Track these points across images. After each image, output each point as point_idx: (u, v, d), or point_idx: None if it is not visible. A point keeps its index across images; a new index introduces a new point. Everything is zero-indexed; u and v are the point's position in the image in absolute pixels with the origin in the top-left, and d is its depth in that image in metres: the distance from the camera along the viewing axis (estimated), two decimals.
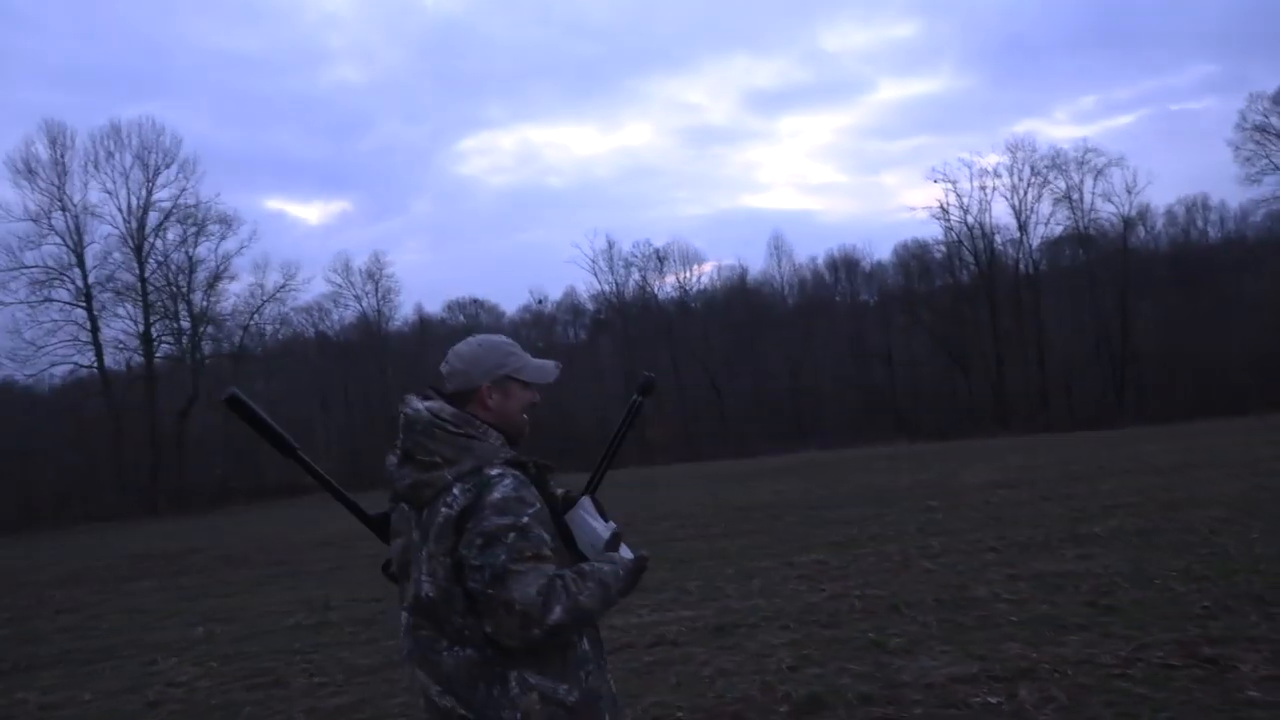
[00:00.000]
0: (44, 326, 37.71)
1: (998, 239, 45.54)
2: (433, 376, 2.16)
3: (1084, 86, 74.82)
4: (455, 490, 1.92)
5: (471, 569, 1.86)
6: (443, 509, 1.92)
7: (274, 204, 75.13)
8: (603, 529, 2.10)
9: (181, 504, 37.33)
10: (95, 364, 39.19)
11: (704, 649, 5.86)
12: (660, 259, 48.66)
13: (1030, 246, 45.45)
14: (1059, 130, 70.48)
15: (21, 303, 37.41)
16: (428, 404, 2.03)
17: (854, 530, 11.02)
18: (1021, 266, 45.25)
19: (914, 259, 49.19)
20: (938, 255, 47.74)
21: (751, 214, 76.12)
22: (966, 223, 45.64)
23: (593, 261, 50.10)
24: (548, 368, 2.15)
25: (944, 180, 46.17)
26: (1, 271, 36.98)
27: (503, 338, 2.16)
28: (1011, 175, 45.14)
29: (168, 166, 39.43)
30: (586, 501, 2.15)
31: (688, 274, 50.57)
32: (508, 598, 1.82)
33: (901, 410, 45.50)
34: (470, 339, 2.15)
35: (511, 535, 1.85)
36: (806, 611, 6.60)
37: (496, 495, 1.89)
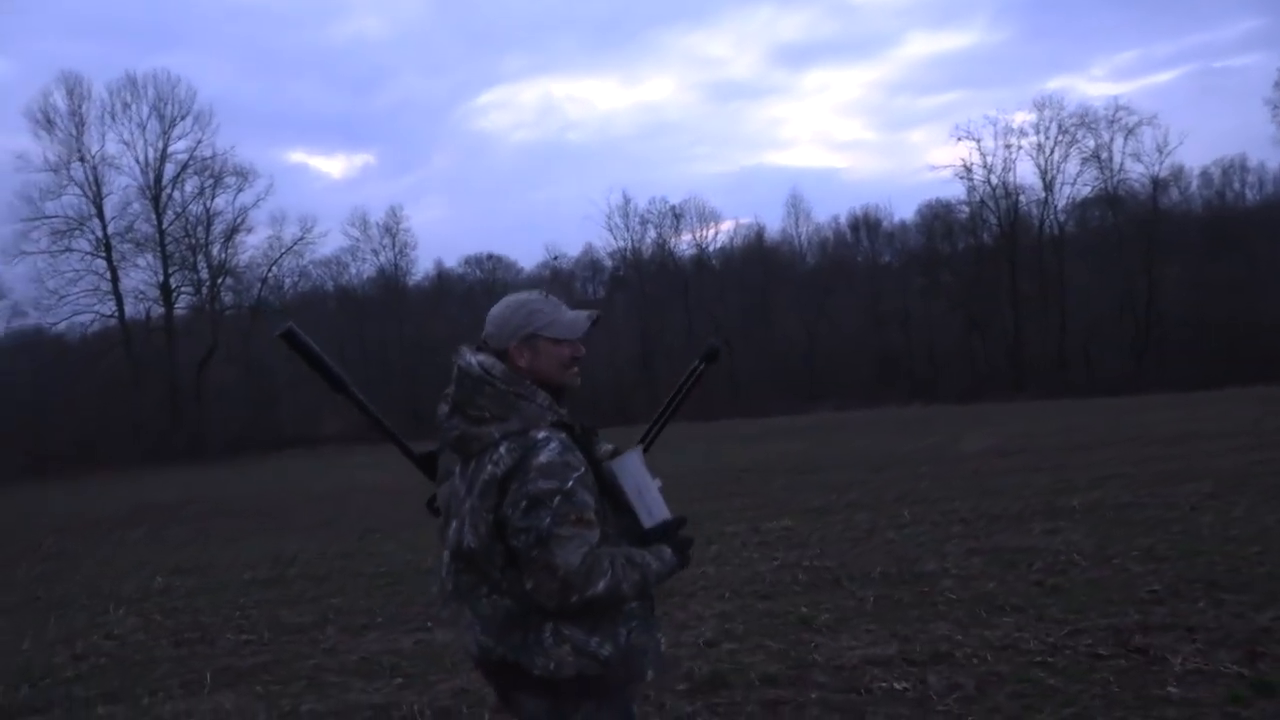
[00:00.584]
0: (65, 276, 38.25)
1: (1022, 199, 44.53)
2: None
3: (1123, 41, 72.84)
4: (501, 449, 1.94)
5: (516, 530, 1.89)
6: (488, 466, 1.94)
7: (297, 157, 75.19)
8: (652, 498, 2.10)
9: (198, 454, 37.80)
10: (116, 314, 39.59)
11: None
12: (676, 216, 48.17)
13: (1055, 207, 44.38)
14: (1095, 87, 68.74)
15: (43, 252, 37.95)
16: (479, 358, 2.04)
17: (834, 496, 10.81)
18: (1045, 228, 44.24)
19: (937, 219, 48.24)
20: (961, 216, 46.79)
21: (773, 172, 75.11)
22: (990, 182, 44.60)
23: (609, 218, 49.70)
24: (578, 321, 2.09)
25: (968, 138, 45.13)
26: (24, 221, 37.46)
27: (531, 295, 2.12)
28: (1038, 133, 43.96)
29: (184, 118, 39.45)
30: (638, 451, 2.14)
31: (704, 232, 50.04)
32: (551, 561, 1.86)
33: (917, 373, 44.96)
34: (503, 299, 2.13)
35: (556, 499, 1.87)
36: (749, 581, 6.42)
37: (542, 459, 1.90)
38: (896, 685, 4.10)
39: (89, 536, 13.60)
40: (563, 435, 1.97)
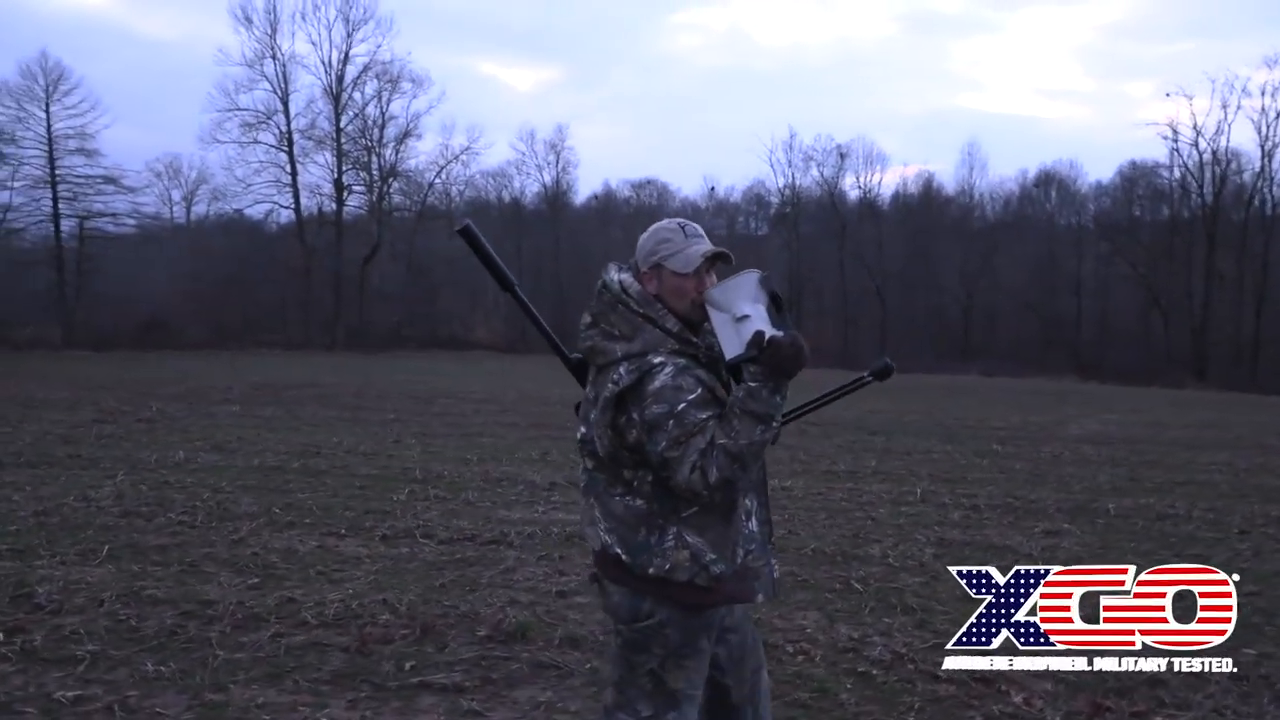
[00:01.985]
0: (251, 166, 41.10)
1: (1234, 169, 39.62)
2: None
3: None
4: (622, 369, 2.05)
5: (648, 451, 2.02)
6: (609, 384, 2.06)
7: (488, 68, 76.94)
8: (731, 332, 2.07)
9: (356, 344, 40.25)
10: (292, 205, 42.31)
11: (527, 555, 5.55)
12: (841, 156, 46.03)
13: (1272, 180, 39.15)
14: None
15: (234, 142, 40.85)
16: (622, 277, 2.17)
17: (874, 462, 10.18)
18: (1256, 202, 39.24)
19: (1134, 183, 43.88)
20: (1160, 182, 42.24)
21: (965, 115, 70.35)
22: (1199, 147, 39.88)
23: (771, 153, 48.22)
24: (691, 257, 2.13)
25: (1181, 95, 40.44)
26: (220, 112, 40.36)
27: (670, 223, 2.20)
28: (1265, 95, 38.77)
29: (366, 22, 40.99)
30: (731, 282, 2.12)
31: (870, 175, 47.66)
32: (673, 480, 2.00)
33: (1084, 346, 41.63)
34: (653, 224, 2.23)
35: (670, 423, 1.98)
36: None
37: (656, 384, 2.00)
38: None
39: (193, 405, 14.70)
40: (680, 360, 2.04)
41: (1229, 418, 18.85)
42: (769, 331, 2.00)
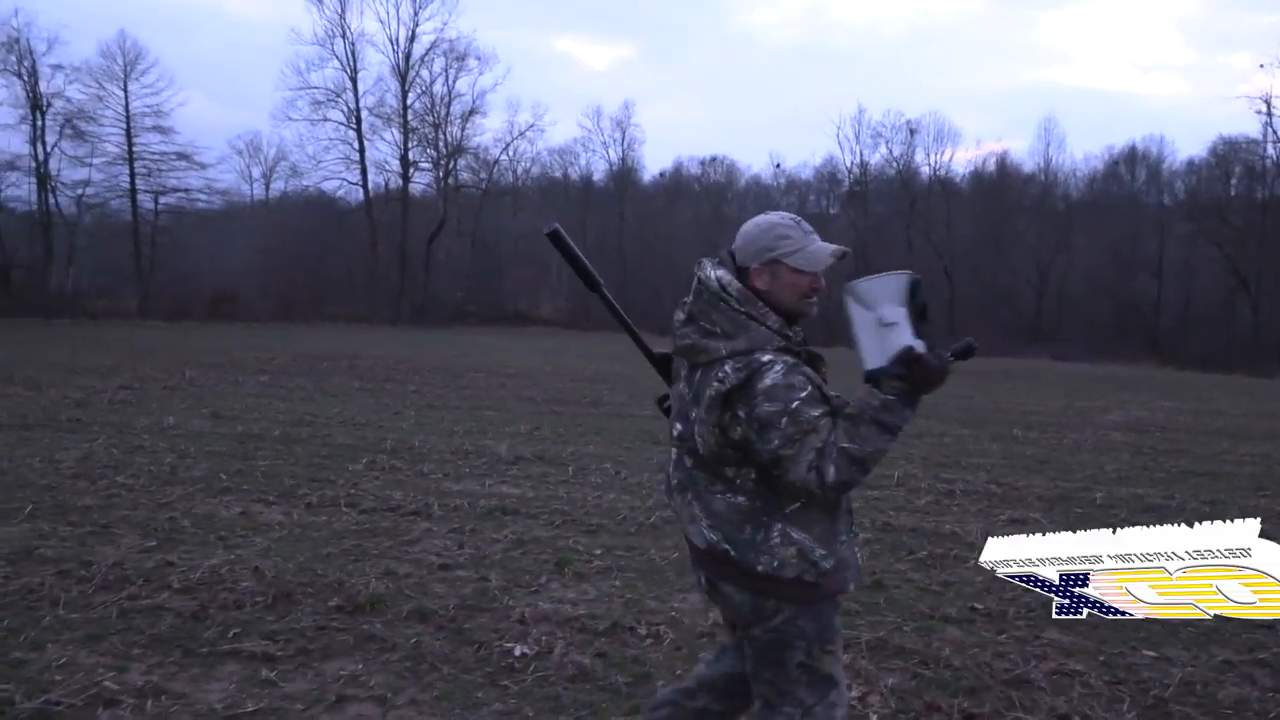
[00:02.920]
0: (321, 143, 42.03)
1: None
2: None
3: None
4: (727, 367, 2.02)
5: (757, 450, 2.00)
6: (714, 382, 2.03)
7: (564, 45, 76.89)
8: (871, 340, 2.03)
9: (421, 318, 40.94)
10: (360, 182, 43.14)
11: (439, 528, 5.47)
12: (911, 132, 44.63)
13: None
14: None
15: (304, 120, 41.82)
16: (719, 274, 2.12)
17: None
18: None
19: (1227, 160, 41.44)
20: (1254, 159, 39.76)
21: (1052, 90, 67.39)
22: None
23: (839, 129, 47.07)
24: (820, 255, 2.11)
25: (1277, 67, 37.93)
26: (292, 90, 41.38)
27: (783, 217, 2.15)
28: None
29: (433, 0, 41.28)
30: (872, 282, 2.09)
31: (941, 153, 46.13)
32: (787, 478, 1.98)
33: (1162, 330, 39.67)
34: (757, 217, 2.19)
35: (784, 420, 1.96)
36: (606, 514, 5.96)
37: (767, 382, 1.98)
38: (519, 649, 3.62)
39: (225, 374, 15.11)
40: (788, 358, 2.02)
41: None
42: (913, 344, 1.98)
